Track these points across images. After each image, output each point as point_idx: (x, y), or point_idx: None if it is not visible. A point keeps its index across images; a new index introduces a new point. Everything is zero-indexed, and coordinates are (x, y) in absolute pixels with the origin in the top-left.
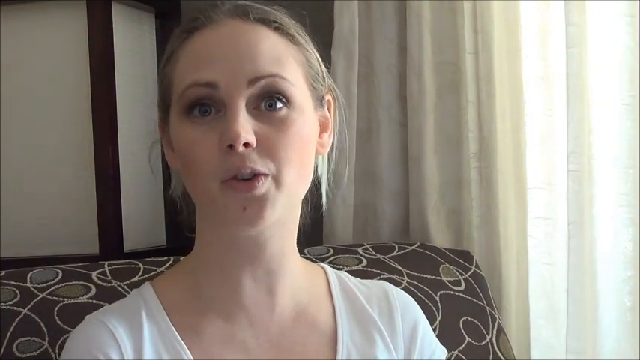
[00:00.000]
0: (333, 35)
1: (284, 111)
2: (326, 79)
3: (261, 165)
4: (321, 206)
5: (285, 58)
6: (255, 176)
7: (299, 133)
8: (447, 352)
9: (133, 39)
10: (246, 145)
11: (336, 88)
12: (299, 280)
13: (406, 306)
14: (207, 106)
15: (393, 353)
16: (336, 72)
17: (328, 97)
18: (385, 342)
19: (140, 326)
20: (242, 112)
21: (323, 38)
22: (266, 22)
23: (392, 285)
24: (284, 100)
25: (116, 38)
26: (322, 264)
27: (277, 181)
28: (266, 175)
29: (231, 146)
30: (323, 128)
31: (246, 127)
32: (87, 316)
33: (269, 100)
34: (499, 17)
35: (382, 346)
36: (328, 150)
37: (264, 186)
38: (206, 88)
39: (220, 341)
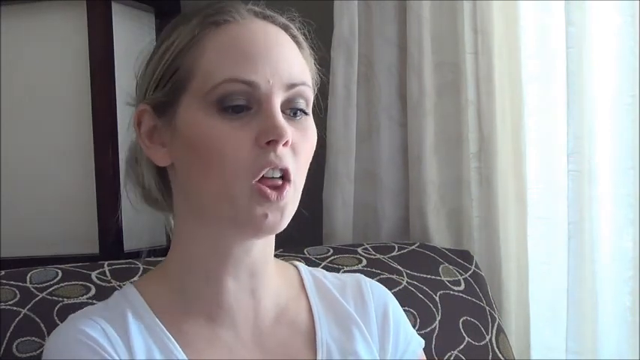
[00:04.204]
0: (333, 35)
1: (304, 117)
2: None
3: (292, 165)
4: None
5: (305, 66)
6: (283, 183)
7: (313, 140)
8: (424, 344)
9: (133, 39)
10: (285, 143)
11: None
12: (276, 281)
13: (378, 294)
14: (241, 107)
15: (371, 344)
16: (336, 72)
17: None
18: (363, 334)
19: (126, 324)
20: (280, 112)
21: (323, 38)
22: (287, 29)
23: (366, 277)
24: (306, 108)
25: (116, 38)
26: (295, 262)
27: (295, 185)
28: (289, 182)
29: (270, 142)
30: None
31: (287, 125)
32: (70, 316)
33: (295, 105)
34: (499, 17)
35: (360, 338)
36: None
37: (287, 194)
38: (244, 86)
39: (205, 341)
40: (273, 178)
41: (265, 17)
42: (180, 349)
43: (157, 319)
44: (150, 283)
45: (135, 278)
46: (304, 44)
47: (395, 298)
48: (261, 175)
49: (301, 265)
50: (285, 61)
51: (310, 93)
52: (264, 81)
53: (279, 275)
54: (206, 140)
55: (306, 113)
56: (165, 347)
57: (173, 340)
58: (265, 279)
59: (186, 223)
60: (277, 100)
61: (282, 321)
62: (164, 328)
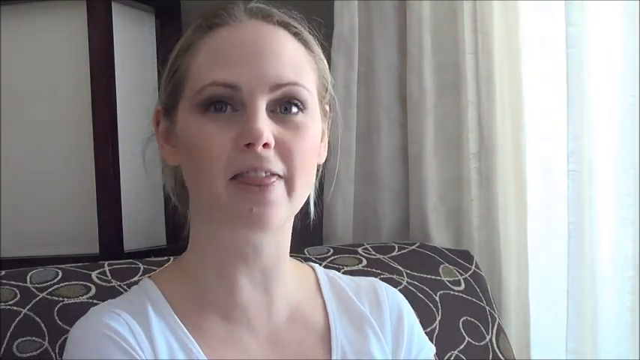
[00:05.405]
0: (333, 35)
1: (300, 116)
2: (329, 89)
3: (275, 166)
4: (309, 213)
5: (304, 65)
6: (268, 177)
7: (312, 140)
8: (434, 350)
9: (133, 39)
10: (265, 145)
11: (335, 97)
12: (291, 281)
13: (393, 298)
14: (224, 103)
15: (384, 345)
16: (336, 72)
17: (326, 106)
18: (377, 336)
19: (147, 319)
20: (262, 114)
21: (323, 38)
22: (288, 26)
23: (381, 281)
24: (301, 106)
25: (116, 38)
26: (311, 263)
27: (289, 185)
28: (279, 178)
29: (249, 145)
30: (321, 137)
31: (266, 128)
32: (92, 308)
33: (287, 104)
34: (499, 17)
35: (375, 340)
36: (323, 160)
37: (276, 189)
38: (227, 89)
39: (221, 340)
40: (256, 178)
41: (263, 17)
42: (199, 349)
43: (176, 317)
44: (167, 279)
45: (135, 278)
46: (312, 43)
47: (408, 304)
48: (236, 174)
49: (317, 266)
50: (273, 61)
51: (305, 94)
52: (246, 83)
53: (295, 275)
54: (194, 141)
55: (301, 111)
56: (186, 346)
57: (192, 338)
58: (279, 278)
59: (197, 220)
60: (261, 102)
61: (296, 320)
62: (182, 326)
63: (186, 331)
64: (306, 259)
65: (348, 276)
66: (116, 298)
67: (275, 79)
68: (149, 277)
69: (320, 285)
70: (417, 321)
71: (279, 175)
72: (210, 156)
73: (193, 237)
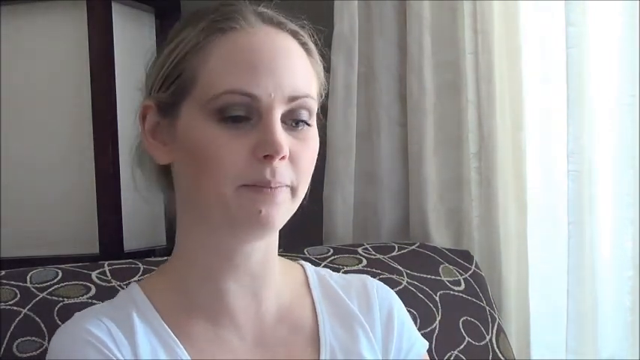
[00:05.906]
0: (333, 35)
1: (307, 127)
2: (322, 94)
3: (287, 177)
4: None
5: (310, 74)
6: (278, 187)
7: (316, 149)
8: (427, 346)
9: (133, 39)
10: (281, 157)
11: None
12: (280, 281)
13: (383, 295)
14: (240, 112)
15: (374, 344)
16: (336, 72)
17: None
18: (367, 335)
19: (132, 324)
20: (279, 125)
21: (323, 38)
22: (297, 35)
23: (372, 278)
24: (309, 116)
25: (116, 38)
26: (301, 262)
27: (294, 192)
28: (287, 186)
29: (267, 156)
30: None
31: (284, 141)
32: (76, 314)
33: (297, 116)
34: (499, 17)
35: (364, 338)
36: None
37: (282, 193)
38: (245, 98)
39: (208, 342)
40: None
41: (277, 24)
42: (184, 351)
43: (162, 320)
44: (154, 283)
45: (135, 278)
46: (314, 52)
47: (400, 300)
48: (246, 184)
49: (307, 265)
50: (289, 72)
51: (314, 104)
52: (266, 94)
53: (284, 274)
54: (204, 146)
55: (308, 124)
56: (170, 348)
57: (177, 341)
58: (268, 280)
59: (186, 222)
60: (278, 113)
61: (285, 321)
62: (168, 329)
63: (171, 334)
64: (306, 259)
65: (340, 274)
66: (102, 303)
67: (292, 92)
68: (137, 281)
69: (309, 284)
70: (408, 317)
71: (287, 185)
72: (221, 162)
73: (181, 239)
